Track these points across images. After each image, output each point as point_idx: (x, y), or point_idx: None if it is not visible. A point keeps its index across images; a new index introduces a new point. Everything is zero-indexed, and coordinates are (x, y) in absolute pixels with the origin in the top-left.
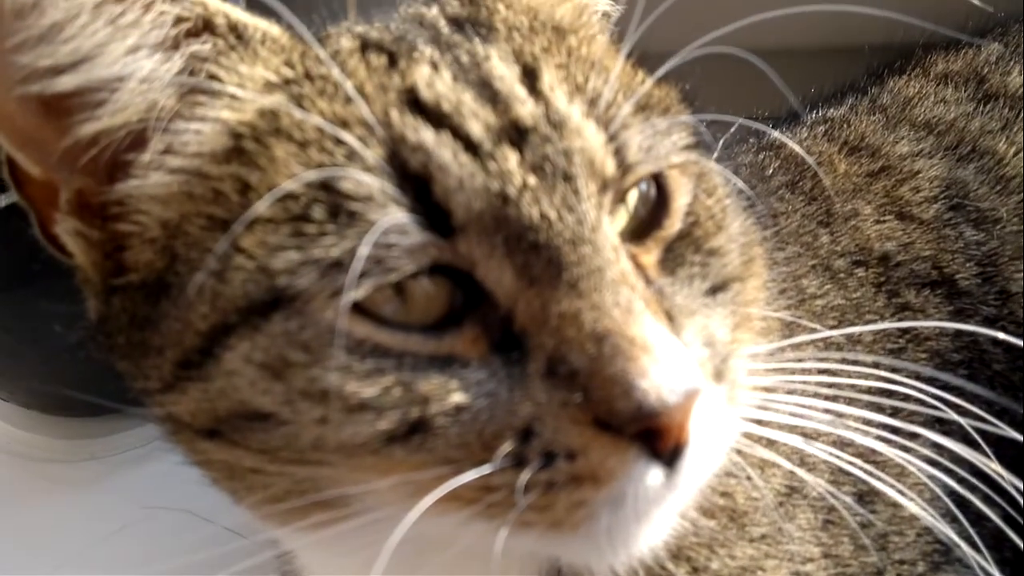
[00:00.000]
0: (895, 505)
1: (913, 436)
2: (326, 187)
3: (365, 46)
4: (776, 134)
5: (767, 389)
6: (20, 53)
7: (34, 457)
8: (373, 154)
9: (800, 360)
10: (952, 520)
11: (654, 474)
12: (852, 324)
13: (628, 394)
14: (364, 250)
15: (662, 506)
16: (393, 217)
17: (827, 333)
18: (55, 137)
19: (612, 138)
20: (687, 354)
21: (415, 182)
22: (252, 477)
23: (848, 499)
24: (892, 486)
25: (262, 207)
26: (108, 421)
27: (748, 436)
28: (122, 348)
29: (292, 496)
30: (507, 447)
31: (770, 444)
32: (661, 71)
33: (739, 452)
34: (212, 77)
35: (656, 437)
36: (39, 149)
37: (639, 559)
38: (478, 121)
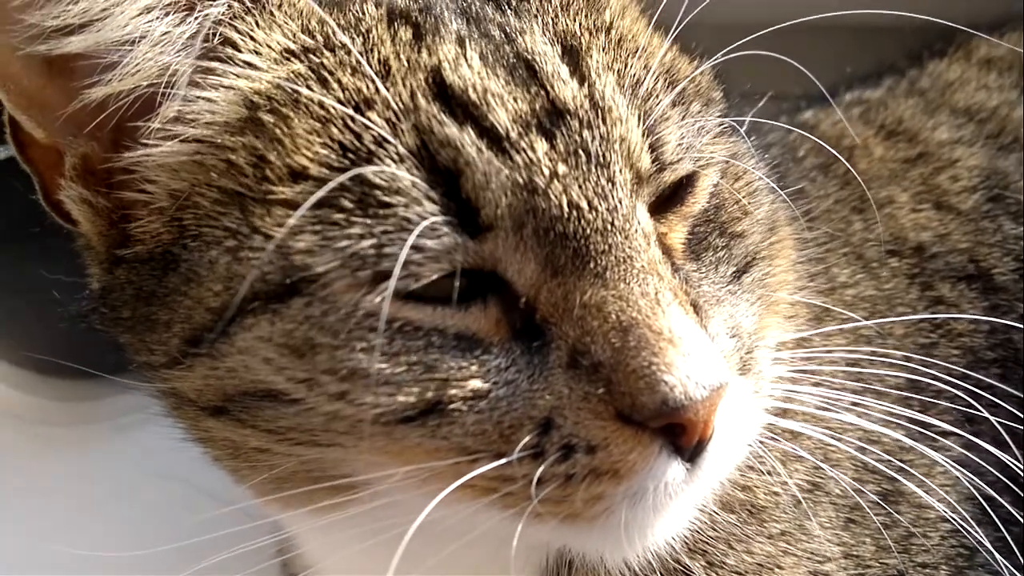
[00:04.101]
0: (920, 506)
1: (943, 434)
2: (355, 175)
3: (392, 15)
4: (800, 133)
5: (793, 380)
6: (27, 12)
7: (27, 418)
8: (403, 142)
9: (828, 351)
10: (980, 522)
11: (675, 469)
12: (883, 316)
13: (653, 388)
14: (402, 256)
15: (681, 501)
16: (426, 216)
17: (857, 323)
18: (61, 100)
19: (650, 131)
20: (714, 347)
21: (445, 176)
22: (257, 457)
23: (872, 498)
24: (920, 484)
25: (312, 201)
26: (103, 384)
27: (771, 429)
28: (126, 321)
29: (299, 478)
30: (526, 438)
31: (794, 437)
32: (704, 66)
33: (762, 444)
34: (227, 42)
35: (680, 432)
36: (44, 112)
37: (654, 552)
38: (506, 109)
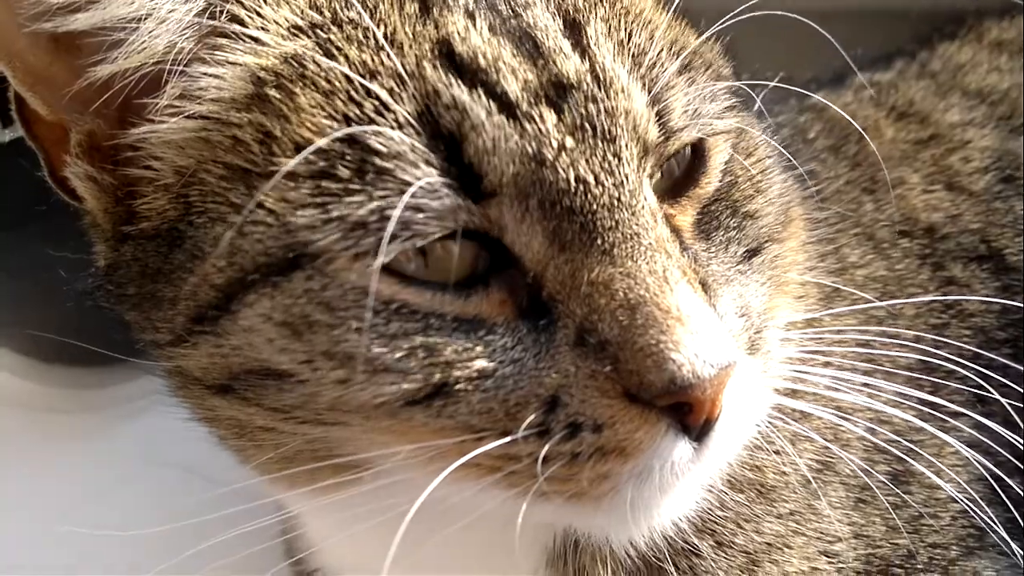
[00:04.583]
0: (931, 487)
1: (954, 415)
2: (353, 142)
3: None
4: (823, 101)
5: (802, 360)
6: None
7: (32, 406)
8: (404, 109)
9: (838, 331)
10: (990, 503)
11: (682, 448)
12: (894, 297)
13: (661, 366)
14: (395, 213)
15: (688, 480)
16: (424, 178)
17: (869, 304)
18: (67, 77)
19: (656, 100)
20: (722, 326)
21: (447, 141)
22: (263, 436)
23: (882, 478)
24: (930, 465)
25: (292, 164)
26: (109, 372)
27: (781, 409)
28: (131, 298)
29: (304, 457)
30: (531, 416)
31: (804, 417)
32: (709, 32)
33: (771, 424)
34: (234, 19)
35: (687, 411)
36: (50, 89)
37: (661, 532)
38: (516, 78)
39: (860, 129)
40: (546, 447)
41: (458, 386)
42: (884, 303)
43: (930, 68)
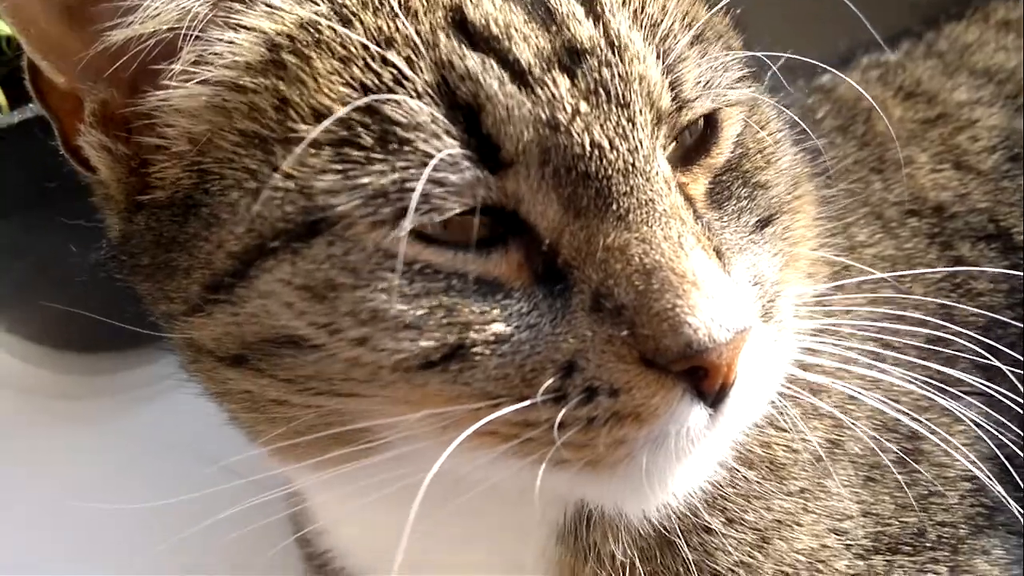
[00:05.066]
0: (940, 465)
1: (963, 394)
2: (373, 112)
3: None
4: (835, 73)
5: (815, 332)
6: None
7: (40, 392)
8: (423, 79)
9: (848, 309)
10: (1001, 482)
11: (698, 414)
12: (902, 276)
13: (677, 330)
14: (420, 187)
15: (703, 448)
16: (446, 150)
17: (877, 281)
18: (81, 44)
19: (669, 70)
20: (738, 291)
21: (465, 112)
22: (275, 409)
23: (892, 456)
24: (940, 444)
25: (317, 132)
26: (118, 358)
27: (792, 383)
28: (145, 269)
29: (316, 431)
30: (548, 381)
31: (814, 393)
32: (720, 5)
33: (782, 400)
34: None
35: (703, 376)
36: (64, 57)
37: (675, 506)
38: (528, 45)
39: (874, 105)
40: (563, 411)
41: (475, 349)
42: (893, 274)
43: (937, 48)
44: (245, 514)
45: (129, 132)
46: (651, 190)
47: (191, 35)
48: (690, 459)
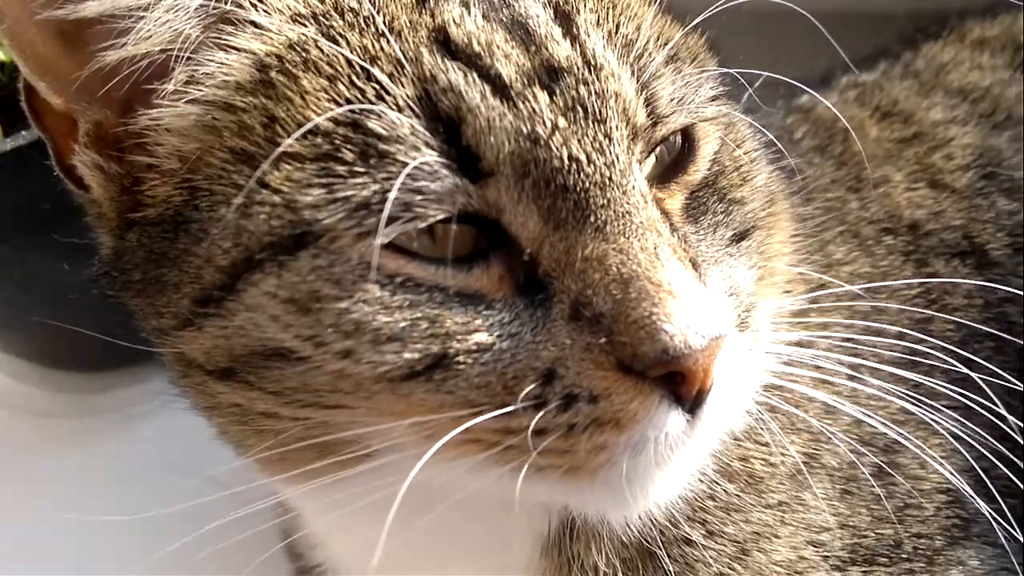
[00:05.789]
0: (916, 478)
1: (939, 407)
2: (356, 126)
3: None
4: (811, 93)
5: (792, 345)
6: None
7: (32, 411)
8: (404, 93)
9: (823, 324)
10: (977, 494)
11: (676, 419)
12: (878, 292)
13: (654, 337)
14: (393, 194)
15: (682, 455)
16: (424, 159)
17: (853, 299)
18: (76, 65)
19: (644, 87)
20: (713, 300)
21: (446, 124)
22: (264, 422)
23: (869, 469)
24: (916, 456)
25: (291, 141)
26: (109, 377)
27: (769, 395)
28: (136, 284)
29: (304, 442)
30: (529, 387)
31: (794, 405)
32: (695, 21)
33: (759, 413)
34: (239, 6)
35: (680, 381)
36: (59, 77)
37: (655, 517)
38: (509, 62)
39: (848, 126)
40: (540, 414)
41: (458, 359)
42: (868, 285)
43: (914, 68)
44: (234, 525)
45: (122, 151)
46: (628, 203)
47: (183, 56)
48: (670, 465)
